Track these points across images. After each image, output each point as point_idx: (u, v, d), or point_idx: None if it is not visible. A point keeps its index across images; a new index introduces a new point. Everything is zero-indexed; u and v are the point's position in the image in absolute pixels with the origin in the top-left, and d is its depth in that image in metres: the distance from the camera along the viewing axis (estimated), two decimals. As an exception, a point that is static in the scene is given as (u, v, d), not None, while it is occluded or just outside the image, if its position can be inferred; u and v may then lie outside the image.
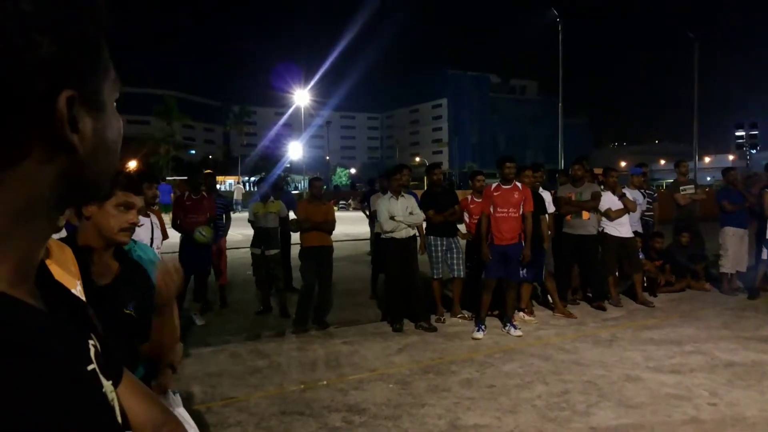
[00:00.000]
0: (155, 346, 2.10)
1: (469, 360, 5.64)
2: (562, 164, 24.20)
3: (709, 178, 61.52)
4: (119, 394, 0.72)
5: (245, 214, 8.54)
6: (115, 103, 0.64)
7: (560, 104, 27.34)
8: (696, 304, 7.99)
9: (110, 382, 0.67)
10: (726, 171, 9.33)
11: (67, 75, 0.53)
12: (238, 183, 43.26)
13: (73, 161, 0.56)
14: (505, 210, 6.54)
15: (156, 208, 5.92)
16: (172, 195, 17.82)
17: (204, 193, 7.34)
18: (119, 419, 0.68)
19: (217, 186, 10.18)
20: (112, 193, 2.01)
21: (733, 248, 8.51)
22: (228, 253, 8.48)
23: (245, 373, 5.27)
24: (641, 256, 8.41)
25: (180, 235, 7.20)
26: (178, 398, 2.27)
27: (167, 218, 7.31)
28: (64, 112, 0.52)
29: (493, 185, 6.75)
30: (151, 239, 5.71)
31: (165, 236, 5.90)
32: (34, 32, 0.50)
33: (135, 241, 2.49)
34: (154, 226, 5.80)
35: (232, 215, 8.79)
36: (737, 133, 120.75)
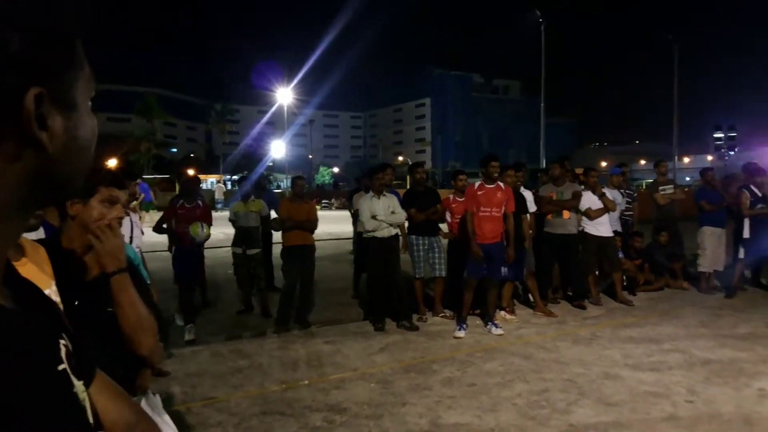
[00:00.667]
0: (128, 341, 2.07)
1: (450, 359, 5.66)
2: (543, 164, 24.38)
3: (688, 179, 62.25)
4: (91, 395, 0.72)
5: (227, 213, 8.48)
6: (90, 102, 0.63)
7: (542, 104, 27.56)
8: (674, 303, 8.10)
9: (81, 382, 0.66)
10: (704, 171, 9.46)
11: (36, 72, 0.52)
12: (220, 182, 42.91)
13: (42, 159, 0.55)
14: (488, 209, 6.57)
15: (134, 206, 5.86)
16: (152, 193, 17.66)
17: (199, 202, 7.19)
18: (90, 419, 0.68)
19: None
20: (95, 189, 2.00)
21: (711, 247, 8.64)
22: (209, 252, 8.41)
23: (226, 373, 5.24)
24: (621, 255, 8.50)
25: (173, 246, 7.13)
26: (157, 399, 2.25)
27: (150, 216, 7.24)
28: (32, 110, 0.51)
29: (476, 184, 6.78)
30: (131, 238, 5.66)
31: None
32: (3, 28, 0.49)
33: None
34: (134, 224, 5.74)
35: (214, 214, 8.72)
36: (716, 135, 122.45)
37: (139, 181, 6.02)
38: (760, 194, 8.42)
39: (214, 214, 8.98)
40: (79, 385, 0.65)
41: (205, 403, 4.52)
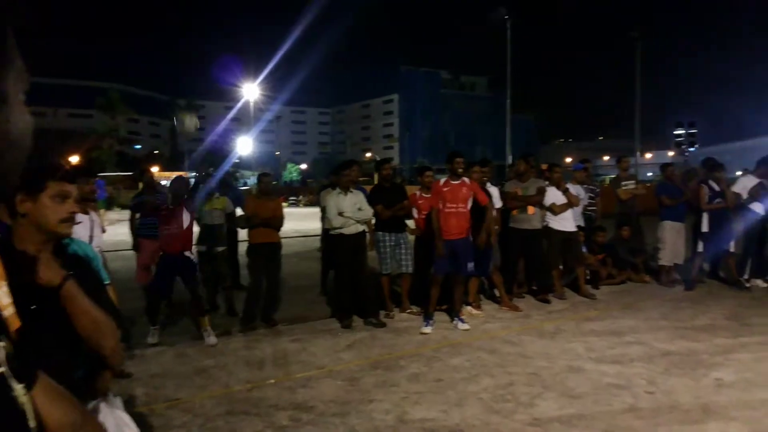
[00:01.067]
0: (87, 344, 2.02)
1: (417, 355, 5.68)
2: (510, 160, 24.66)
3: (649, 174, 63.66)
4: (34, 397, 0.70)
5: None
6: (23, 96, 0.60)
7: (508, 101, 27.84)
8: (636, 296, 8.27)
9: (22, 385, 0.65)
10: (664, 167, 9.68)
11: None
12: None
13: None
14: (454, 205, 6.61)
15: (94, 204, 5.72)
16: (108, 190, 17.34)
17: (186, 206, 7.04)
18: (32, 422, 0.66)
19: (162, 182, 9.91)
20: (44, 185, 1.94)
21: (671, 241, 8.84)
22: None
23: (191, 373, 5.16)
24: (584, 249, 8.65)
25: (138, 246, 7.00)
26: (118, 401, 2.20)
27: (108, 215, 7.09)
28: None
29: (442, 180, 6.81)
30: (91, 237, 5.53)
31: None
32: None
33: (72, 238, 2.40)
34: (94, 223, 5.61)
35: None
36: (677, 131, 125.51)
37: (95, 178, 5.84)
38: (718, 189, 8.66)
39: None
40: (19, 388, 0.63)
41: (168, 405, 4.45)
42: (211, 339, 6.05)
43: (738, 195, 8.84)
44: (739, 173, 9.47)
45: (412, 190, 7.78)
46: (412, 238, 7.52)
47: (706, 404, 4.37)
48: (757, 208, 8.67)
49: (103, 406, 2.31)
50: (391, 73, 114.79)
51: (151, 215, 6.86)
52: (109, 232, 6.85)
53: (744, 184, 9.00)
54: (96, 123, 58.49)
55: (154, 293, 6.40)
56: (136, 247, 7.56)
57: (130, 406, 4.03)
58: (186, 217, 6.23)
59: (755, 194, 8.71)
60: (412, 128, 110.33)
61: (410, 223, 7.59)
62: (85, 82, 79.57)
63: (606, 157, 74.72)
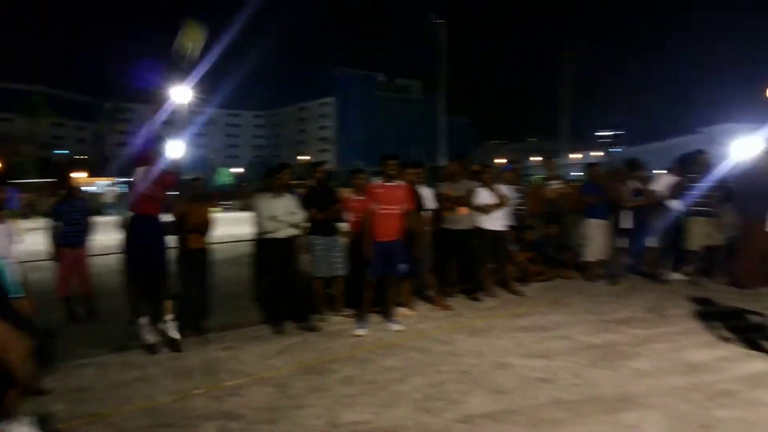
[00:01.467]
0: None
1: (350, 358, 5.66)
2: (443, 162, 25.02)
3: (576, 174, 65.81)
4: None
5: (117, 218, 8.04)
6: None
7: (441, 104, 28.26)
8: (563, 292, 8.54)
9: None
10: (589, 167, 10.06)
11: None
12: (112, 185, 40.53)
13: None
14: (388, 207, 6.64)
15: (7, 212, 5.44)
16: (27, 198, 16.53)
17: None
18: None
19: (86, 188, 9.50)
20: None
21: (595, 238, 9.18)
22: (96, 259, 7.96)
23: (113, 386, 4.96)
24: (514, 248, 8.86)
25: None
26: (26, 422, 2.09)
27: (23, 224, 6.74)
28: None
29: (376, 183, 6.84)
30: (6, 247, 5.27)
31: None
32: None
33: None
34: (11, 232, 5.36)
35: (105, 219, 8.27)
36: (600, 133, 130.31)
37: (7, 187, 5.54)
38: (640, 187, 9.08)
39: (105, 219, 8.50)
40: None
41: (89, 420, 4.26)
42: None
43: (657, 193, 9.27)
44: (663, 172, 9.94)
45: (348, 192, 7.77)
46: (345, 240, 7.49)
47: (626, 394, 4.55)
48: (675, 205, 9.11)
49: (13, 428, 2.19)
50: (326, 76, 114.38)
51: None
52: (28, 242, 6.50)
53: (663, 182, 9.46)
54: (18, 127, 55.59)
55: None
56: (56, 256, 7.23)
57: (47, 424, 3.85)
58: None
59: (673, 192, 9.16)
60: (348, 131, 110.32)
61: (343, 225, 7.56)
62: (6, 84, 75.44)
63: (536, 158, 76.82)
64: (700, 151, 9.51)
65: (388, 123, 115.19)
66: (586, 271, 9.39)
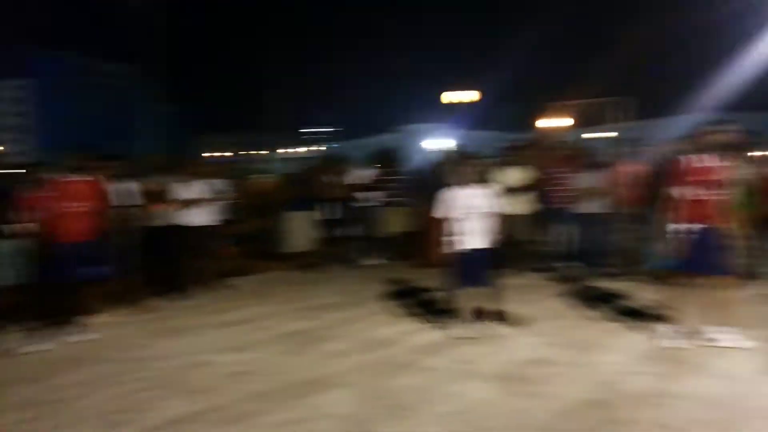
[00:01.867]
0: None
1: (29, 378, 5.02)
2: (149, 154, 23.68)
3: (284, 167, 68.20)
4: None
5: None
6: None
7: (150, 91, 26.69)
8: (270, 284, 8.79)
9: None
10: (301, 162, 10.54)
11: None
12: None
13: None
14: (74, 204, 6.06)
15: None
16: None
17: None
18: None
19: None
20: None
21: (299, 230, 9.69)
22: None
23: None
24: (226, 242, 8.83)
25: None
26: None
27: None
28: None
29: (62, 177, 6.17)
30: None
31: None
32: None
33: None
34: None
35: None
36: (304, 129, 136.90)
37: None
38: (336, 180, 9.81)
39: None
40: None
41: None
42: None
43: (354, 185, 10.10)
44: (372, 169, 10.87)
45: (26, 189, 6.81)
46: (25, 243, 6.57)
47: (322, 375, 4.87)
48: (371, 196, 10.02)
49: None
50: (23, 57, 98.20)
51: None
52: None
53: (357, 175, 10.35)
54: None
55: None
56: None
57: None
58: None
59: (371, 184, 10.08)
60: (50, 118, 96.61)
61: (21, 226, 6.62)
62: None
63: (250, 152, 77.23)
64: (393, 149, 10.65)
65: (94, 111, 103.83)
66: (291, 261, 9.78)
